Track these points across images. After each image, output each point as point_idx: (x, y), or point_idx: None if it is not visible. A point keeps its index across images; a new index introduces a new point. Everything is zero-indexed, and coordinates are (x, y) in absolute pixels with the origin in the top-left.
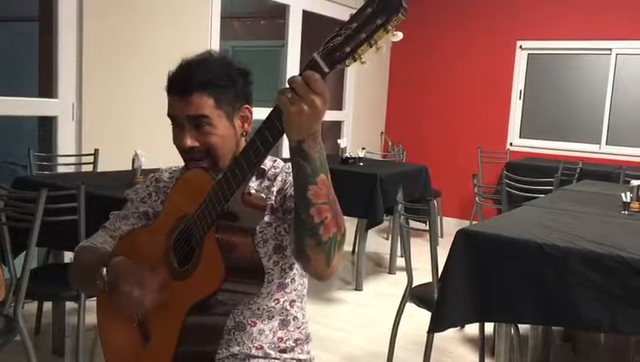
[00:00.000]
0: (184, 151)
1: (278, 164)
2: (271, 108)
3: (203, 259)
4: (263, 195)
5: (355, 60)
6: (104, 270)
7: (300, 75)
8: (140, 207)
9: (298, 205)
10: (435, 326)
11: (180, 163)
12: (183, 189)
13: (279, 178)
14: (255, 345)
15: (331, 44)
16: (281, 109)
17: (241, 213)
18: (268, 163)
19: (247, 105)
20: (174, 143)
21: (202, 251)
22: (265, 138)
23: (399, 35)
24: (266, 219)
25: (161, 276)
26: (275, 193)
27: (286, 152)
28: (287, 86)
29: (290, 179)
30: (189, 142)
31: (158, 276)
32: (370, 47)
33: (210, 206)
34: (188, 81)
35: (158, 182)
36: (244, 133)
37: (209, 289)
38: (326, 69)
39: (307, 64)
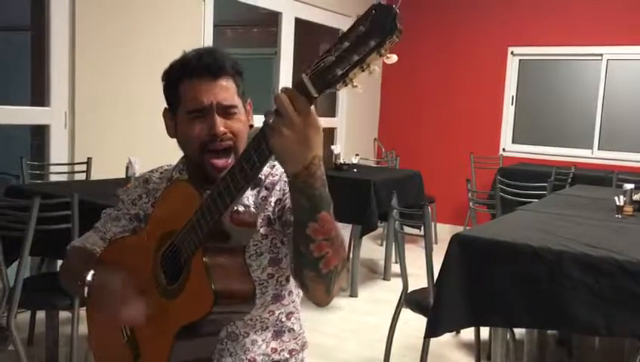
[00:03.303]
0: (210, 138)
1: (276, 171)
2: (262, 116)
3: (191, 281)
4: (252, 210)
5: (346, 85)
6: (89, 275)
7: (281, 90)
8: (131, 209)
9: (297, 238)
10: (431, 331)
11: (171, 161)
12: (171, 201)
13: (277, 187)
14: (248, 357)
15: (322, 65)
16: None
17: (229, 233)
18: (266, 169)
19: (249, 99)
20: (193, 137)
21: (190, 272)
22: (252, 161)
23: (394, 58)
24: (262, 231)
25: (149, 296)
26: (272, 204)
27: None
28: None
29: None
30: (222, 126)
31: (142, 299)
32: (363, 71)
33: (198, 225)
34: (219, 63)
35: (147, 183)
36: (252, 126)
37: (197, 314)
38: (315, 94)
39: (294, 86)
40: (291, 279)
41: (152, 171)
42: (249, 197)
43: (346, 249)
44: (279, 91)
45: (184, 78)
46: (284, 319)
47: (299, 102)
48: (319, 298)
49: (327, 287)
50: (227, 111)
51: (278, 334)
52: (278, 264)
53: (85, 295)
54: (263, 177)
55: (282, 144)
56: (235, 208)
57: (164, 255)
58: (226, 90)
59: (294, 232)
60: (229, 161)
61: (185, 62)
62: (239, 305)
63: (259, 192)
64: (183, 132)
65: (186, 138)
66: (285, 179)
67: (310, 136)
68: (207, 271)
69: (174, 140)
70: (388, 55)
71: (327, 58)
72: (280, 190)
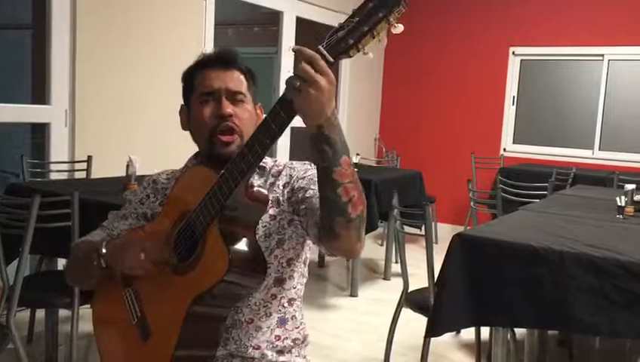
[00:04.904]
0: (218, 120)
1: (279, 163)
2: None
3: (207, 250)
4: (265, 191)
5: (358, 51)
6: (103, 248)
7: (299, 57)
8: (138, 208)
9: (324, 187)
10: (432, 330)
11: (177, 165)
12: (186, 185)
13: (284, 173)
14: (252, 344)
15: (335, 37)
16: (291, 98)
17: (243, 206)
18: (269, 162)
19: (259, 104)
20: (203, 120)
21: (205, 243)
22: (270, 129)
23: (400, 27)
24: (271, 212)
25: (161, 274)
26: (281, 187)
27: (280, 154)
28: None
29: (295, 173)
30: (229, 108)
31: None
32: (373, 38)
33: (214, 199)
34: (233, 57)
35: (155, 183)
36: None
37: (214, 279)
38: (330, 59)
39: None
40: (292, 264)
41: (158, 173)
42: (257, 184)
43: (365, 199)
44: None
45: (199, 69)
46: (286, 304)
47: (320, 65)
48: (350, 246)
49: (358, 233)
50: (235, 98)
51: (282, 321)
52: (282, 245)
53: (101, 264)
54: (268, 168)
55: (309, 102)
56: (250, 184)
57: (179, 233)
58: (235, 79)
59: (321, 183)
60: (235, 137)
61: (202, 57)
62: (251, 277)
63: (266, 180)
64: (194, 117)
65: (197, 122)
66: (290, 166)
67: (329, 89)
68: (222, 237)
69: (174, 140)
70: (395, 24)
71: (340, 31)
72: (286, 175)
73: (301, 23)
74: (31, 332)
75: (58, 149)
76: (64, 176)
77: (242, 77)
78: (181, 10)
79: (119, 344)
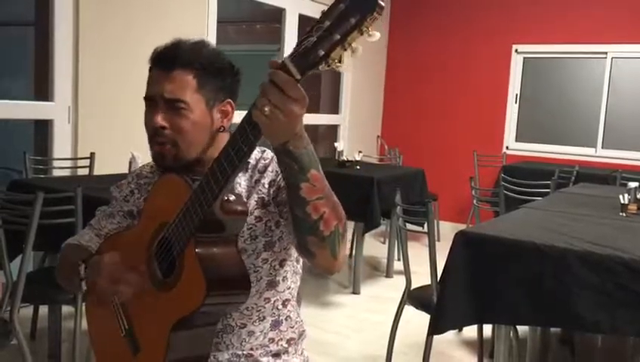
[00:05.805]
0: (153, 130)
1: (267, 155)
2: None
3: (185, 272)
4: (243, 199)
5: (328, 66)
6: (82, 268)
7: (272, 80)
8: (124, 206)
9: (293, 204)
10: (435, 328)
11: None
12: (161, 193)
13: (270, 168)
14: (244, 351)
15: (303, 47)
16: (256, 121)
17: (221, 223)
18: (256, 154)
19: (230, 100)
20: (145, 125)
21: (183, 264)
22: (239, 148)
23: (376, 35)
24: (256, 213)
25: (142, 280)
26: (266, 185)
27: None
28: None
29: None
30: (160, 120)
31: (134, 273)
32: (345, 50)
33: (188, 216)
34: (174, 54)
35: (139, 178)
36: (222, 129)
37: (191, 307)
38: (297, 76)
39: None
40: (285, 264)
41: (143, 166)
42: (241, 182)
43: (343, 212)
44: (269, 81)
45: (151, 66)
46: (280, 306)
47: (294, 92)
48: (327, 263)
49: (332, 251)
50: (172, 106)
51: (275, 324)
52: (272, 248)
53: (84, 288)
54: (255, 161)
55: (278, 128)
56: (226, 197)
57: (157, 247)
58: (174, 84)
59: (290, 199)
60: (167, 147)
61: (154, 51)
62: (233, 295)
63: (251, 176)
64: None
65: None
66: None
67: (301, 114)
68: (199, 263)
69: None
70: (370, 33)
71: (309, 39)
72: (272, 171)
73: (304, 20)
74: (34, 329)
75: (61, 146)
76: (67, 172)
77: (189, 78)
78: (184, 8)
79: (112, 355)
